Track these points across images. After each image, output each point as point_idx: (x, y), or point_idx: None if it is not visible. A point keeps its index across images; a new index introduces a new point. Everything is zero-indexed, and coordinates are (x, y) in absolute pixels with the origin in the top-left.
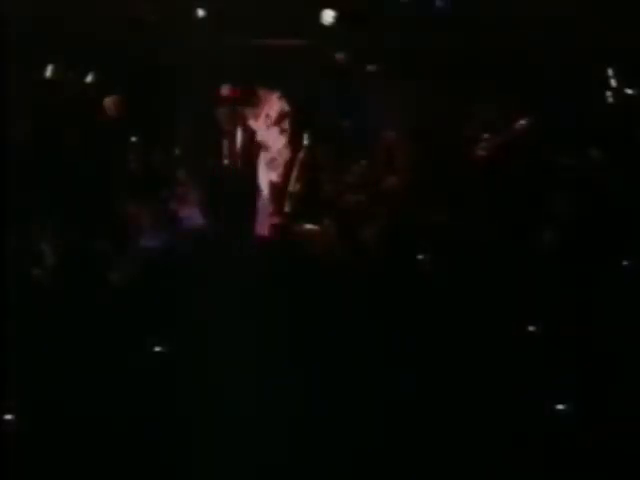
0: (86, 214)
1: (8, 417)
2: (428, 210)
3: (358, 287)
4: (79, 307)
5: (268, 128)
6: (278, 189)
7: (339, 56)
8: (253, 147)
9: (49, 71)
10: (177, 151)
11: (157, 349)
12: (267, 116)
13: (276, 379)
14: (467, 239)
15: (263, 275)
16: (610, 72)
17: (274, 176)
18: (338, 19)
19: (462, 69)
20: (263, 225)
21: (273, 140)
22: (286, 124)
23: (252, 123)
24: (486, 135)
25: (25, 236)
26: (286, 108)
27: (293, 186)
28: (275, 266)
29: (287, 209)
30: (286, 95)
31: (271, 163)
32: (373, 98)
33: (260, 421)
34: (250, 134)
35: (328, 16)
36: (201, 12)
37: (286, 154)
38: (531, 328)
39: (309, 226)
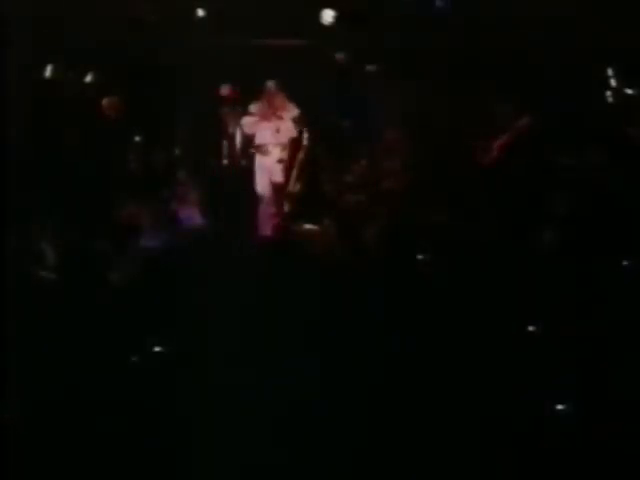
0: (86, 214)
1: (8, 417)
2: (428, 210)
3: (358, 287)
4: (79, 307)
5: (279, 131)
6: (283, 190)
7: (339, 56)
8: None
9: (49, 71)
10: (177, 151)
11: (157, 349)
12: (281, 118)
13: (276, 378)
14: (467, 239)
15: (263, 275)
16: (610, 72)
17: (280, 177)
18: (338, 19)
19: (462, 69)
20: (265, 226)
21: (284, 142)
22: (295, 126)
23: (257, 125)
24: (486, 135)
25: (25, 236)
26: (296, 113)
27: (293, 186)
28: (275, 266)
29: (287, 209)
30: (291, 96)
31: (279, 164)
32: (373, 98)
33: (260, 420)
34: (251, 135)
35: (328, 16)
36: (201, 12)
37: (298, 155)
38: (531, 328)
39: (309, 226)
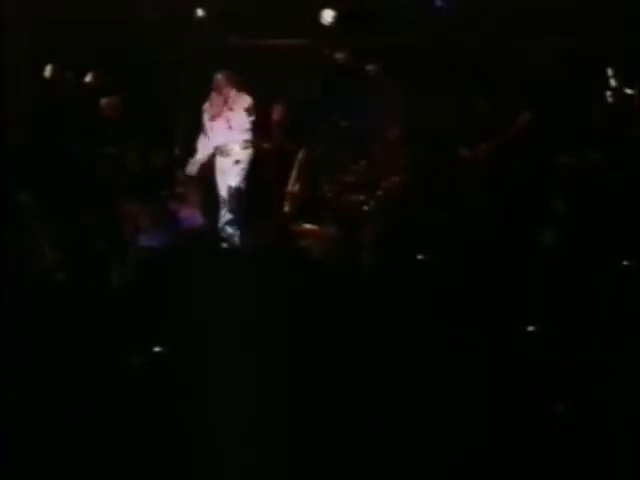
0: (86, 214)
1: (8, 417)
2: (428, 210)
3: (358, 287)
4: (78, 307)
5: (231, 126)
6: (242, 194)
7: (339, 56)
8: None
9: (49, 71)
10: (177, 151)
11: (157, 349)
12: (231, 110)
13: (275, 380)
14: (467, 239)
15: (263, 275)
16: (610, 72)
17: (235, 181)
18: (338, 19)
19: (462, 69)
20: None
21: (241, 139)
22: (250, 121)
23: (209, 125)
24: (486, 135)
25: (25, 236)
26: (249, 102)
27: (292, 186)
28: (274, 266)
29: (287, 209)
30: (246, 85)
31: (236, 165)
32: (373, 98)
33: (260, 422)
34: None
35: (328, 16)
36: (201, 12)
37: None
38: (531, 328)
39: (309, 226)
